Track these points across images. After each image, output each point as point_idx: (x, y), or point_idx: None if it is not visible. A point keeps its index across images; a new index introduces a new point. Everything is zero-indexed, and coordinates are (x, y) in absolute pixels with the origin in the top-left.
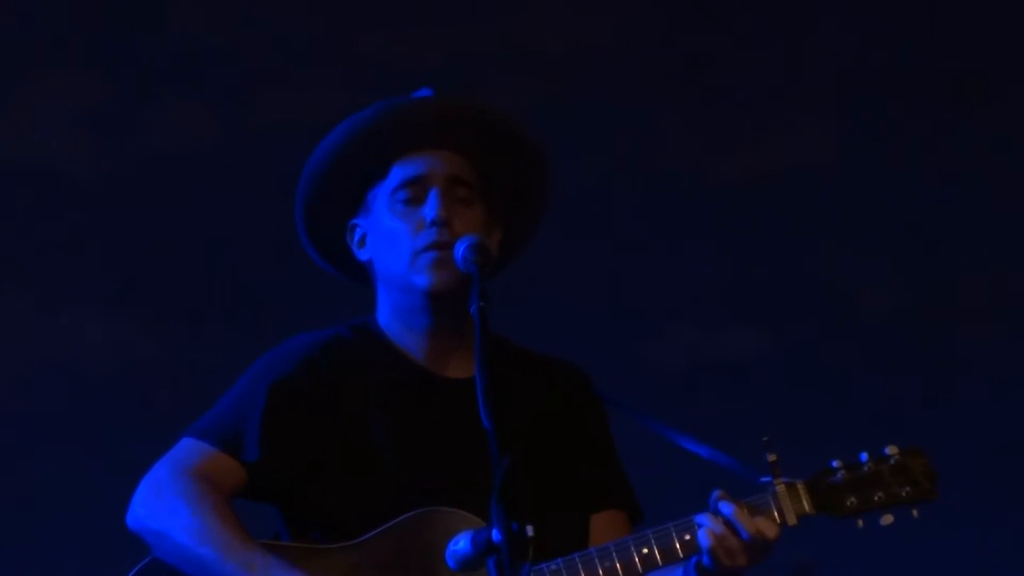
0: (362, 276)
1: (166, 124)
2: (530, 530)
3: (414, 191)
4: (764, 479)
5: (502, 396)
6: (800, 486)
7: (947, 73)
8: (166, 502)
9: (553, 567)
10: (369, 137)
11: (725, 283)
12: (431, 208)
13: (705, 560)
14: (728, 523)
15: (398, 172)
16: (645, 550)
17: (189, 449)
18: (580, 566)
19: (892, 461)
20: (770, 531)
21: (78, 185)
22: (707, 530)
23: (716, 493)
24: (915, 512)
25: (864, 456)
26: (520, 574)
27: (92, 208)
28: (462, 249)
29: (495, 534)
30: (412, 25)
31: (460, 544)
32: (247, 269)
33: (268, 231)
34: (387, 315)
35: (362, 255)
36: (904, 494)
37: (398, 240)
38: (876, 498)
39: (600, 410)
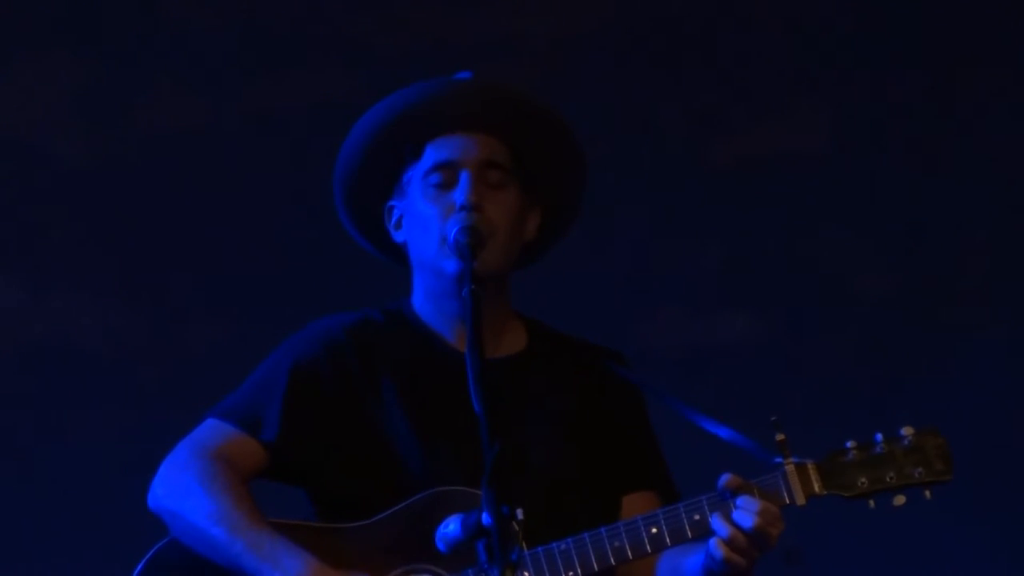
0: (402, 257)
1: (157, 106)
2: (520, 514)
3: (446, 175)
4: (777, 459)
5: (542, 379)
6: (811, 466)
7: (942, 58)
8: (182, 483)
9: (562, 546)
10: (403, 119)
11: (718, 268)
12: (461, 192)
13: (719, 559)
14: (740, 530)
15: (431, 155)
16: (654, 529)
17: (210, 429)
18: (589, 545)
19: (906, 442)
20: (778, 526)
21: (69, 167)
22: (718, 540)
23: (723, 479)
24: (928, 493)
25: (879, 436)
26: (510, 558)
27: (83, 190)
28: (453, 232)
29: (485, 517)
30: (404, 10)
31: (450, 527)
32: (239, 253)
33: (259, 215)
34: (421, 298)
35: (398, 237)
36: (917, 475)
37: (429, 224)
38: (888, 479)
39: (636, 391)
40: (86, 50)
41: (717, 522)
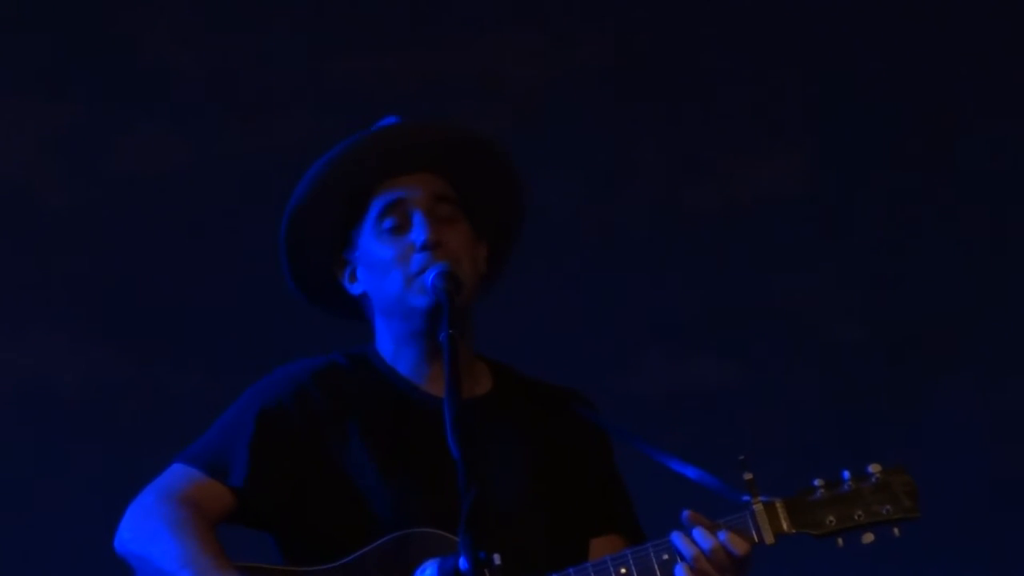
0: (356, 312)
1: (134, 148)
2: (497, 559)
3: (398, 218)
4: (744, 498)
5: (509, 421)
6: (779, 505)
7: (918, 106)
8: (149, 527)
9: None
10: (342, 176)
11: (695, 313)
12: (419, 232)
13: None
14: (700, 548)
15: (378, 203)
16: (623, 570)
17: (177, 475)
18: None
19: (874, 479)
20: (741, 548)
21: (46, 208)
22: (683, 566)
23: (686, 513)
24: (896, 531)
25: (846, 474)
26: None
27: (60, 232)
28: (431, 277)
29: (462, 562)
30: (382, 53)
31: (427, 572)
32: (215, 293)
33: (236, 255)
34: (388, 344)
35: (355, 290)
36: (884, 513)
37: (389, 267)
38: (856, 516)
39: (602, 435)
40: (63, 93)
41: (678, 540)
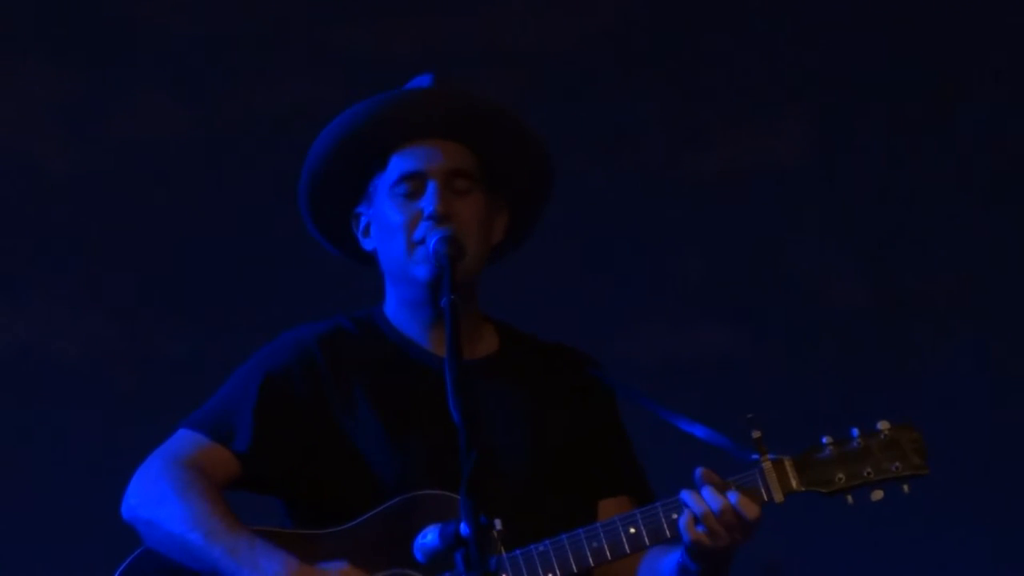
0: (372, 261)
1: (136, 115)
2: (498, 523)
3: (413, 184)
4: (753, 456)
5: (515, 380)
6: (788, 462)
7: (921, 73)
8: (157, 491)
9: (541, 548)
10: (368, 129)
11: (696, 280)
12: (429, 202)
13: (688, 542)
14: (709, 507)
15: (397, 164)
16: (632, 529)
17: (183, 439)
18: (567, 546)
19: (882, 436)
20: (752, 511)
21: (48, 175)
22: (689, 515)
23: (699, 471)
24: (906, 488)
25: (855, 431)
26: (488, 567)
27: (58, 198)
28: (433, 242)
29: (463, 527)
30: (383, 18)
31: (428, 537)
32: (216, 259)
33: (237, 221)
34: (393, 305)
35: (367, 244)
36: (894, 469)
37: (397, 232)
38: (865, 473)
39: (609, 395)
40: (65, 59)
41: (688, 497)
